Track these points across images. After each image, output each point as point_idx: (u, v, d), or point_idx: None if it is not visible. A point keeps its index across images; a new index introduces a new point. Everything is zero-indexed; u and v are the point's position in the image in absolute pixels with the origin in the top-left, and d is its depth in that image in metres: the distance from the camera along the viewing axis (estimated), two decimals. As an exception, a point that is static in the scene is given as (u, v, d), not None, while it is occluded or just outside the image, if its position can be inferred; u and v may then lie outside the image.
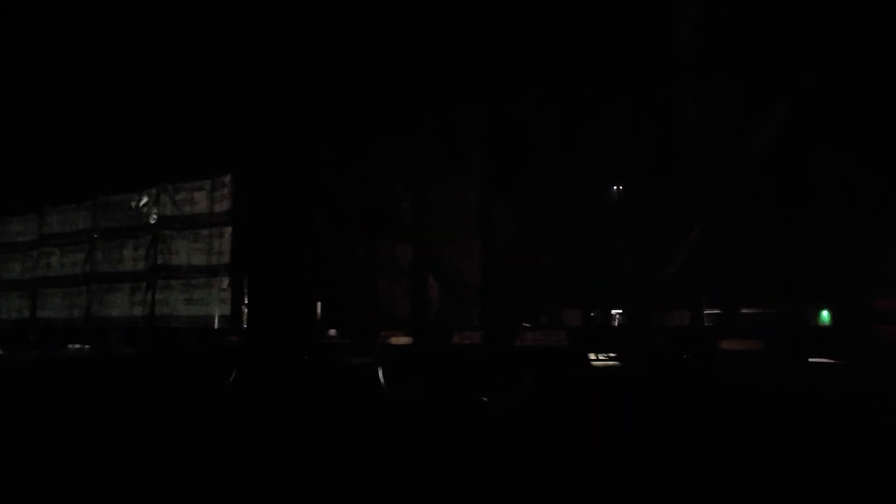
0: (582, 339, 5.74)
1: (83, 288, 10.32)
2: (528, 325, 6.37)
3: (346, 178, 7.93)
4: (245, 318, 8.23)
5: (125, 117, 9.89)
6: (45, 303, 10.99)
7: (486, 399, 6.43)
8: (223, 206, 8.58)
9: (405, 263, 7.78)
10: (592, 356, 6.42)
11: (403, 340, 6.86)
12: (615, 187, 6.23)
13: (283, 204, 7.97)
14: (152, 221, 9.50)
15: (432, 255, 7.61)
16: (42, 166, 11.12)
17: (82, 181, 10.57)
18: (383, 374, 7.12)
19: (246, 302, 8.24)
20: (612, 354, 6.17)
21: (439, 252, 7.57)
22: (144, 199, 9.66)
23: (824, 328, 4.89)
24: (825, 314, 4.95)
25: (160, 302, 9.14)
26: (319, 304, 7.67)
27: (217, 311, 8.46)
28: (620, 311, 5.95)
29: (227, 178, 8.53)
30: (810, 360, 5.14)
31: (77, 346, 11.53)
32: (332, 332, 7.43)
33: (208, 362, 8.75)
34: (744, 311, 5.27)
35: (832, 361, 5.12)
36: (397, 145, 7.89)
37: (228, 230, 8.46)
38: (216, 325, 8.48)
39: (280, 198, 7.99)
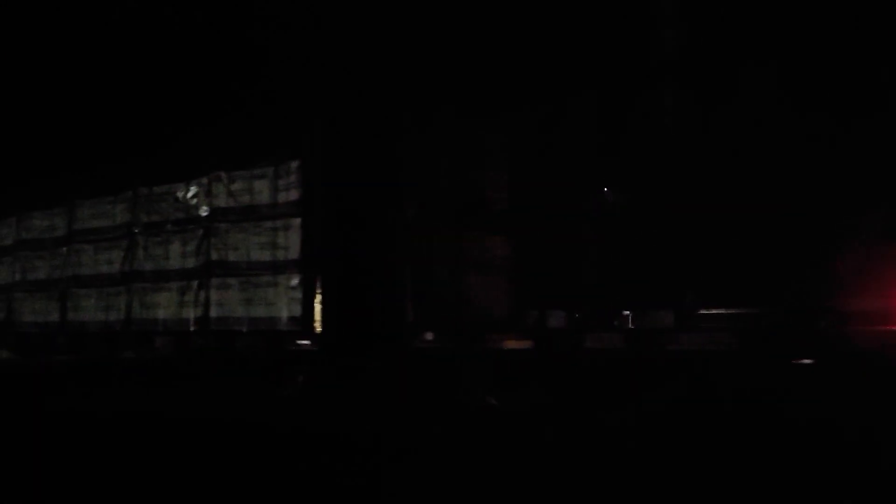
0: (757, 342, 4.93)
1: (122, 288, 9.44)
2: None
3: (434, 161, 7.12)
4: (318, 319, 7.38)
5: (167, 99, 8.98)
6: (77, 304, 10.11)
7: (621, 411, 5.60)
8: (289, 195, 7.72)
9: (498, 257, 7.01)
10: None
11: (520, 344, 6.03)
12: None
13: (363, 191, 7.12)
14: (203, 214, 8.62)
15: (530, 248, 6.85)
16: (71, 154, 10.18)
17: (119, 171, 9.67)
18: (490, 383, 6.27)
19: (320, 302, 7.38)
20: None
21: (539, 244, 6.81)
22: (193, 190, 8.78)
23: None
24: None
25: (216, 302, 8.28)
26: (411, 304, 6.84)
27: (285, 313, 7.61)
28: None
29: (295, 164, 7.67)
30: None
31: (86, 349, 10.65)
32: (429, 335, 6.60)
33: (272, 368, 7.88)
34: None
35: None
36: (487, 122, 7.11)
37: (297, 222, 7.60)
38: (283, 328, 7.63)
39: (359, 184, 7.13)
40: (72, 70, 9.79)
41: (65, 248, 10.38)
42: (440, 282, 6.86)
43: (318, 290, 7.41)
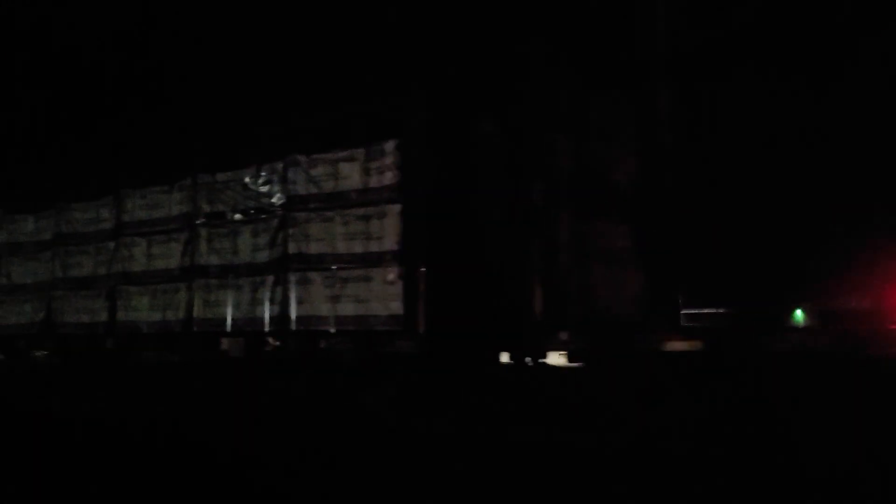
0: None
1: (181, 284, 8.63)
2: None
3: (557, 138, 6.32)
4: (423, 318, 6.58)
5: (233, 74, 8.16)
6: (128, 303, 9.30)
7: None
8: (384, 179, 6.92)
9: (620, 249, 6.22)
10: None
11: (683, 345, 5.24)
12: None
13: (476, 172, 6.32)
14: (277, 202, 7.82)
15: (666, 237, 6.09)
16: (119, 139, 9.37)
17: (175, 157, 8.87)
18: (640, 389, 5.48)
19: (424, 298, 6.59)
20: None
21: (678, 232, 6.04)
22: (265, 176, 7.97)
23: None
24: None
25: (295, 299, 7.47)
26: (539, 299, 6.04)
27: (381, 311, 6.81)
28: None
29: (391, 145, 6.86)
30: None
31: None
32: (564, 335, 5.81)
33: (364, 373, 7.10)
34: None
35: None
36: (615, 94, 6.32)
37: (394, 209, 6.81)
38: (380, 328, 6.84)
39: (472, 164, 6.34)
40: (122, 41, 8.97)
41: (112, 243, 9.57)
42: (568, 274, 6.06)
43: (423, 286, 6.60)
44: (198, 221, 8.51)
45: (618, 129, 6.34)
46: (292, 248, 7.56)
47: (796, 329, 5.25)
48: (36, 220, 10.75)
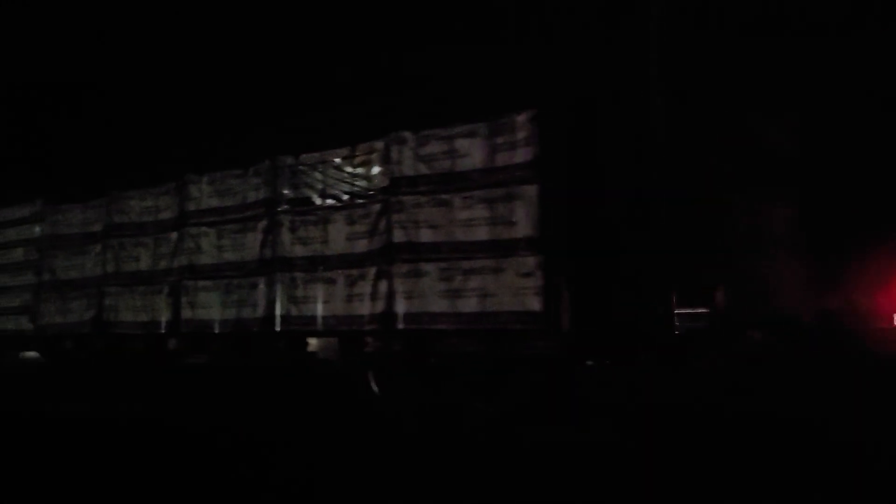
0: None
1: (260, 279, 7.77)
2: None
3: (726, 111, 5.47)
4: (566, 314, 5.73)
5: (320, 44, 7.29)
6: (194, 300, 8.44)
7: None
8: (514, 156, 6.05)
9: (793, 236, 5.41)
10: None
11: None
12: None
13: (632, 147, 5.47)
14: (377, 185, 6.96)
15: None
16: (185, 119, 8.50)
17: (252, 138, 8.00)
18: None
19: (568, 292, 5.73)
20: None
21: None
22: (361, 157, 7.11)
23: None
24: None
25: (403, 295, 6.61)
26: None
27: (514, 306, 5.94)
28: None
29: (523, 117, 5.99)
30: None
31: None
32: (756, 334, 4.98)
33: (486, 377, 6.28)
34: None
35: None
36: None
37: (529, 190, 5.93)
38: (513, 326, 5.98)
39: (626, 138, 5.49)
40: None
41: (175, 233, 8.71)
42: (750, 264, 5.24)
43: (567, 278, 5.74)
44: (280, 209, 7.63)
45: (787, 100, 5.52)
46: (398, 236, 6.69)
47: None
48: (84, 210, 9.88)
